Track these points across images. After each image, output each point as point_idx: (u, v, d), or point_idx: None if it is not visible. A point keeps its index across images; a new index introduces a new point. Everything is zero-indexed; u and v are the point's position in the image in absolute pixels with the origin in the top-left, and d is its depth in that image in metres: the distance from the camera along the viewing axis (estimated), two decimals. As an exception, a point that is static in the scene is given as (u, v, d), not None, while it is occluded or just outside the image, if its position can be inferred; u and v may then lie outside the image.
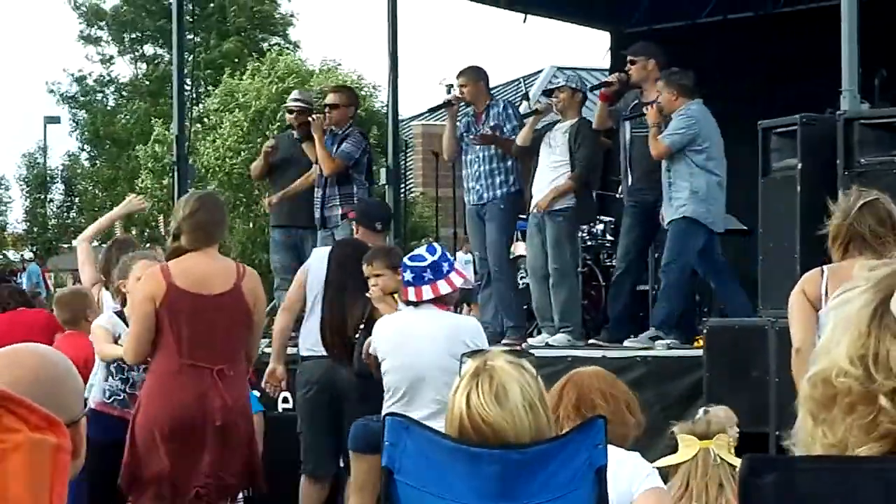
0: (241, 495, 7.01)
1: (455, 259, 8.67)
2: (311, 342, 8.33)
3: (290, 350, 8.85)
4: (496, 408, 3.69)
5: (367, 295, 7.62)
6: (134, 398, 6.86)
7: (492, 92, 11.00)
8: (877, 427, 1.86)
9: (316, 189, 10.99)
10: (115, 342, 7.12)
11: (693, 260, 9.64)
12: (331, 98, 11.24)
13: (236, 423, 6.43)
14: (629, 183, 10.23)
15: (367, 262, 7.73)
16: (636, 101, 10.21)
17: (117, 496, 6.59)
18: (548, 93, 11.26)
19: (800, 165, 8.44)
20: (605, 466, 3.79)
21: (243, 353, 6.59)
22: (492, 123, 10.57)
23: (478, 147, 10.51)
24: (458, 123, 10.73)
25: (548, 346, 9.88)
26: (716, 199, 9.62)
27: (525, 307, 10.64)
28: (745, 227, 11.25)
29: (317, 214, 10.91)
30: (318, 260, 8.60)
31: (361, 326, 7.62)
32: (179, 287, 6.41)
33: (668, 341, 9.44)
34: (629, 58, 10.33)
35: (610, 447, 3.87)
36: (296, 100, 11.60)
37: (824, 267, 5.98)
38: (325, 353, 8.04)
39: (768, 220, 8.78)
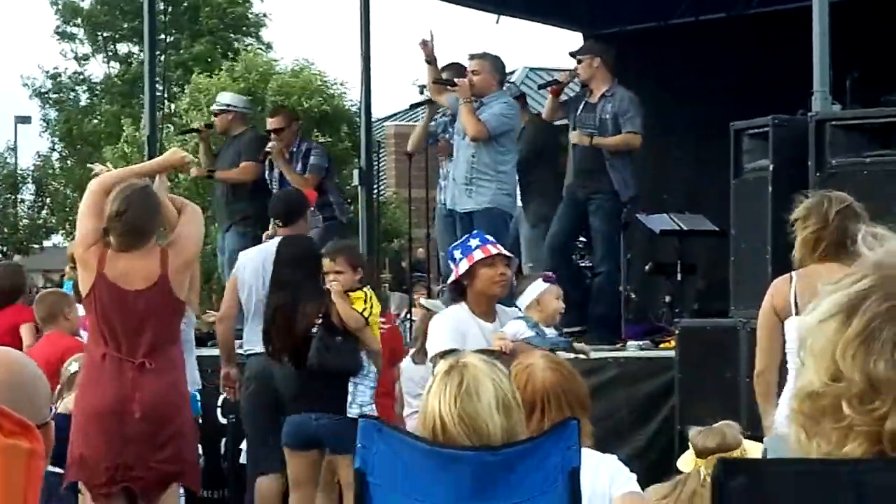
0: (181, 492, 6.92)
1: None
2: (254, 342, 8.33)
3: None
4: (469, 404, 3.70)
5: (327, 288, 7.66)
6: None
7: None
8: (851, 430, 1.89)
9: None
10: None
11: None
12: (272, 123, 11.28)
13: (160, 415, 6.37)
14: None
15: (330, 257, 7.76)
16: (584, 100, 10.36)
17: None
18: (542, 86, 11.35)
19: (772, 167, 8.47)
20: (578, 468, 3.79)
21: (172, 345, 6.54)
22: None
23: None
24: (432, 122, 10.71)
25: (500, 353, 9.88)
26: None
27: None
28: (716, 228, 11.29)
29: None
30: (249, 262, 8.63)
31: (318, 321, 7.64)
32: (108, 279, 6.40)
33: (640, 342, 9.51)
34: (577, 56, 10.46)
35: (588, 450, 3.88)
36: (221, 104, 11.68)
37: (793, 273, 5.98)
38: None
39: (740, 221, 8.81)
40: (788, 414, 1.99)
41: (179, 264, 6.51)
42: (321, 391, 7.66)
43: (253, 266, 8.55)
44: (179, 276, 6.50)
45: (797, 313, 5.89)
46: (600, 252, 10.25)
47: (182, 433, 6.52)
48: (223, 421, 9.65)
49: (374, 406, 7.66)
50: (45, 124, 41.21)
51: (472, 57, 9.98)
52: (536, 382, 4.28)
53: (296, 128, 11.26)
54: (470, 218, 9.59)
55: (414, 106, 11.38)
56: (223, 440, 9.60)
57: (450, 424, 3.71)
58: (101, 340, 6.41)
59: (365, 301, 7.67)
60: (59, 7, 41.22)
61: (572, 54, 10.73)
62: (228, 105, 11.60)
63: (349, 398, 7.62)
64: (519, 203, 10.44)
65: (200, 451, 7.27)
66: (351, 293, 7.70)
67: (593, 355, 9.23)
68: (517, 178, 10.24)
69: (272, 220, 9.02)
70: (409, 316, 11.84)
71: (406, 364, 8.62)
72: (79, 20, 41.26)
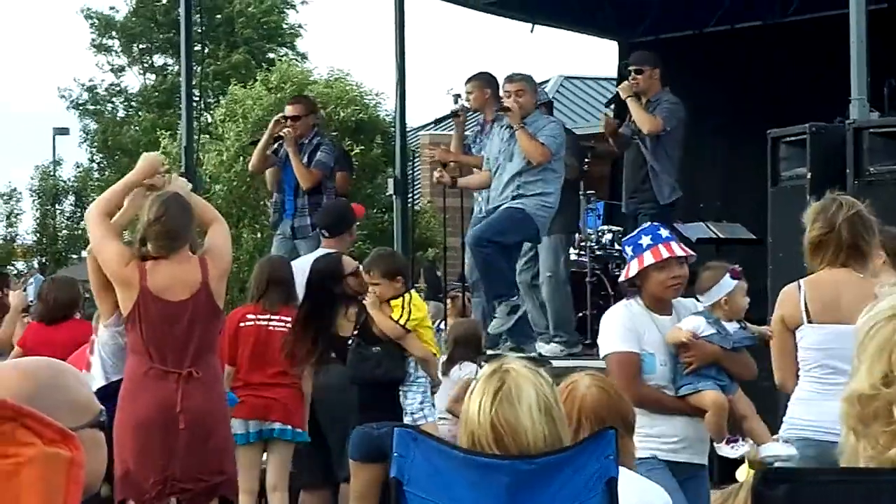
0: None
1: None
2: None
3: None
4: (508, 409, 3.70)
5: (364, 302, 7.69)
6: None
7: None
8: None
9: (286, 198, 10.99)
10: None
11: None
12: (290, 110, 11.21)
13: (206, 426, 6.38)
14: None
15: (366, 270, 7.83)
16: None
17: None
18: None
19: (809, 174, 8.43)
20: (615, 478, 3.77)
21: (213, 354, 6.55)
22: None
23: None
24: (465, 133, 10.72)
25: (540, 356, 9.87)
26: None
27: None
28: (753, 237, 11.25)
29: (288, 224, 10.90)
30: (297, 271, 8.66)
31: (355, 333, 7.69)
32: (151, 292, 6.38)
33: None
34: (634, 67, 10.36)
35: (634, 475, 3.82)
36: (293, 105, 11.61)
37: (801, 281, 5.94)
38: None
39: (777, 229, 8.77)
40: (840, 415, 1.98)
41: (218, 272, 6.52)
42: (374, 401, 7.69)
43: (300, 280, 8.53)
44: (219, 284, 6.52)
45: (809, 321, 5.86)
46: None
47: (226, 443, 6.55)
48: None
49: (425, 412, 7.65)
50: (84, 135, 41.48)
51: (514, 79, 9.89)
52: (578, 400, 4.24)
53: (312, 120, 11.14)
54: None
55: (439, 120, 11.40)
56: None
57: (488, 429, 3.70)
58: (146, 356, 6.37)
59: (402, 308, 7.67)
60: (94, 20, 41.48)
61: (626, 65, 10.68)
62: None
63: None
64: None
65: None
66: (392, 302, 7.73)
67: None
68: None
69: (318, 231, 9.05)
70: (444, 325, 11.83)
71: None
72: (113, 32, 41.50)
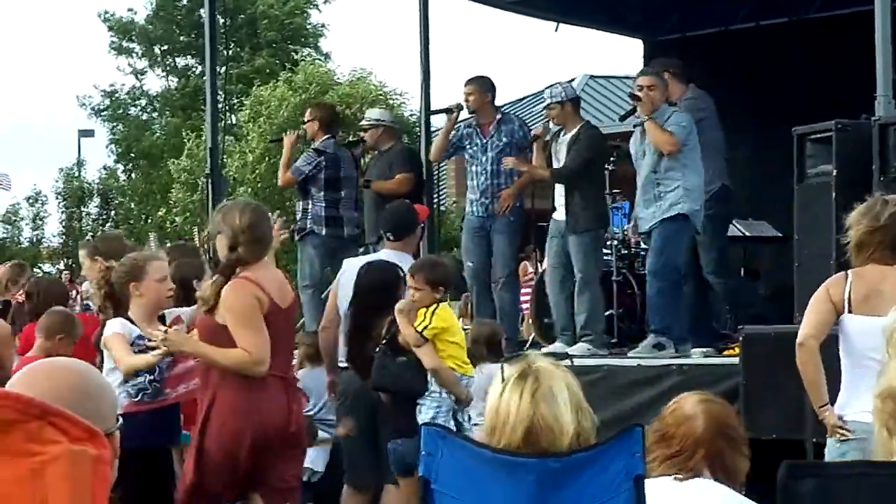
0: None
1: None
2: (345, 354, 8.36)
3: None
4: (548, 407, 3.70)
5: (396, 306, 7.61)
6: (165, 383, 6.74)
7: (504, 108, 11.17)
8: None
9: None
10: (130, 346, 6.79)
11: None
12: (306, 114, 11.79)
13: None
14: None
15: (411, 273, 7.73)
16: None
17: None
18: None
19: (835, 171, 8.40)
20: (642, 476, 3.77)
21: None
22: (504, 139, 10.66)
23: (485, 160, 10.59)
24: (452, 131, 10.84)
25: (567, 355, 9.87)
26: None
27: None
28: (779, 234, 11.21)
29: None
30: (349, 270, 8.60)
31: (383, 342, 7.62)
32: (273, 299, 6.36)
33: (704, 349, 9.45)
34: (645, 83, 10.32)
35: (736, 495, 3.73)
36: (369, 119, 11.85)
37: (849, 272, 6.01)
38: None
39: (804, 226, 8.75)
40: (873, 410, 1.97)
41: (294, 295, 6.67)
42: (395, 413, 7.66)
43: (350, 276, 8.49)
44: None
45: (850, 311, 5.92)
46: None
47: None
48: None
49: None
50: (111, 136, 41.64)
51: (647, 73, 10.02)
52: (686, 425, 3.98)
53: (317, 126, 11.39)
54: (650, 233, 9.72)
55: (434, 112, 11.45)
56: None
57: (522, 427, 3.70)
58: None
59: (425, 316, 7.52)
60: (112, 24, 41.59)
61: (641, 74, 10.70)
62: (378, 120, 11.68)
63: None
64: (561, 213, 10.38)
65: None
66: (420, 310, 7.63)
67: (654, 363, 9.21)
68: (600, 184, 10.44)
69: (383, 233, 9.01)
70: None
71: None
72: (133, 35, 41.62)
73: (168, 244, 13.43)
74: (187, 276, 7.52)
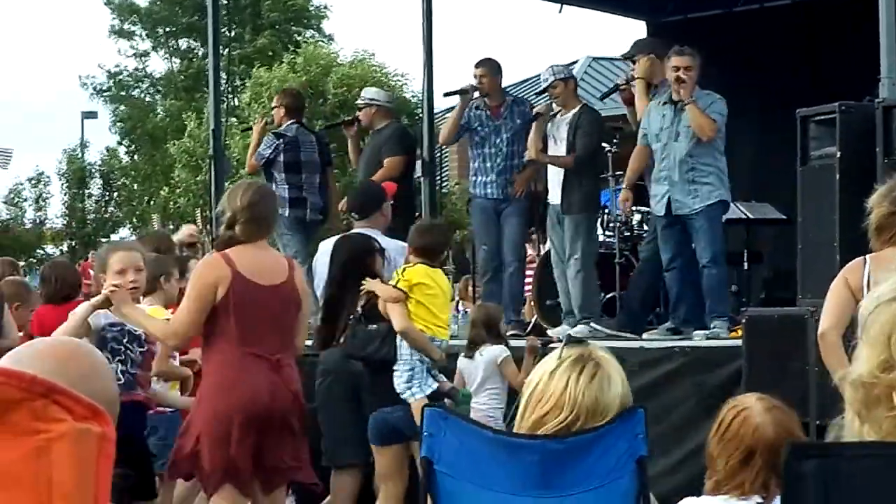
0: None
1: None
2: None
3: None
4: (602, 395, 3.70)
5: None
6: (137, 378, 6.82)
7: (507, 89, 11.19)
8: None
9: None
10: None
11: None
12: (274, 100, 12.10)
13: (294, 413, 6.44)
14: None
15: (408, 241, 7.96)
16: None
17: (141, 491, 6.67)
18: (542, 92, 11.31)
19: (839, 154, 8.39)
20: (645, 457, 3.77)
21: (294, 344, 6.59)
22: (518, 121, 10.65)
23: (499, 142, 10.57)
24: (464, 113, 10.80)
25: (569, 337, 9.86)
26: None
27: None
28: (783, 216, 11.20)
29: None
30: (322, 254, 8.69)
31: (358, 310, 7.69)
32: (243, 275, 6.37)
33: (707, 332, 9.44)
34: (632, 58, 10.37)
35: None
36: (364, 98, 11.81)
37: (867, 256, 5.98)
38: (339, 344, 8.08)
39: (807, 209, 8.74)
40: (845, 398, 1.97)
41: (300, 279, 6.61)
42: (373, 382, 7.71)
43: (324, 260, 8.56)
44: (300, 287, 6.58)
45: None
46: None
47: (304, 431, 6.59)
48: None
49: (412, 390, 7.53)
50: (114, 117, 41.59)
51: (683, 53, 9.73)
52: (753, 430, 3.85)
53: (283, 112, 11.48)
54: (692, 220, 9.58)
55: (447, 94, 11.44)
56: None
57: (570, 410, 3.68)
58: (236, 339, 6.34)
59: (396, 275, 7.65)
60: (115, 6, 41.52)
61: (626, 56, 10.73)
62: (372, 100, 11.65)
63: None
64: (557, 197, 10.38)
65: None
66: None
67: (658, 345, 9.21)
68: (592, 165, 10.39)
69: (349, 213, 9.06)
70: (460, 306, 11.89)
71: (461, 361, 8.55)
72: (135, 17, 41.56)
73: (170, 226, 13.45)
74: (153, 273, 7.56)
